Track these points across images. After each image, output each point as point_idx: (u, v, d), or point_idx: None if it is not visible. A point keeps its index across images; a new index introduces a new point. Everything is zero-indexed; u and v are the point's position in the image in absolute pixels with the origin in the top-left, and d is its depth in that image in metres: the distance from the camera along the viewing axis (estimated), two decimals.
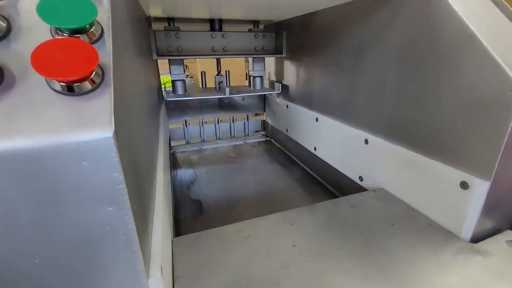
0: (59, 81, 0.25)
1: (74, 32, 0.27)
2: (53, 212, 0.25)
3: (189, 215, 0.82)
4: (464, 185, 0.48)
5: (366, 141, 0.72)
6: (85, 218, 0.26)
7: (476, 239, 0.49)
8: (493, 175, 0.44)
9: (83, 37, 0.28)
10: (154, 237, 0.39)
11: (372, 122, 0.70)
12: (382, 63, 0.64)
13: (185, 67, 1.09)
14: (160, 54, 1.00)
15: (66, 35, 0.27)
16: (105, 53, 0.28)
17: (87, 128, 0.24)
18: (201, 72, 1.31)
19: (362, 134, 0.73)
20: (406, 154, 0.60)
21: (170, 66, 1.06)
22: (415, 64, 0.56)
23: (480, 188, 0.46)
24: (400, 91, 0.61)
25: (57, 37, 0.27)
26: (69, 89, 0.25)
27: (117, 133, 0.25)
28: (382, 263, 0.45)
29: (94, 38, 0.28)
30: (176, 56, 1.02)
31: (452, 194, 0.51)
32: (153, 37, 0.97)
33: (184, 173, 1.08)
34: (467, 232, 0.49)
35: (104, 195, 0.25)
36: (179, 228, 0.76)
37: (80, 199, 0.25)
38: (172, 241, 0.51)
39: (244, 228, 0.54)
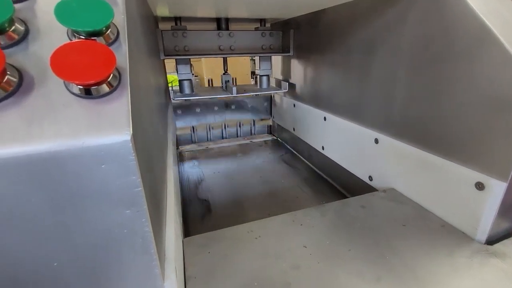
0: (78, 84, 0.25)
1: (90, 34, 0.27)
2: (72, 215, 0.25)
3: (198, 215, 0.82)
4: (479, 185, 0.48)
5: (376, 141, 0.71)
6: (103, 221, 0.26)
7: (491, 240, 0.48)
8: (511, 175, 0.43)
9: (100, 40, 0.28)
10: (167, 237, 0.39)
11: (383, 121, 0.69)
12: (393, 61, 0.63)
13: (191, 66, 1.09)
14: (168, 54, 1.00)
15: (83, 37, 0.27)
16: (122, 55, 0.28)
17: (106, 131, 0.24)
18: (208, 80, 1.32)
19: (372, 134, 0.72)
20: (418, 154, 0.59)
21: (177, 66, 1.06)
22: (429, 62, 0.55)
23: (497, 189, 0.45)
24: (412, 90, 0.60)
25: (74, 39, 0.27)
26: (87, 92, 0.25)
27: (134, 136, 0.25)
28: (395, 265, 0.44)
29: (110, 41, 0.28)
30: (183, 56, 1.02)
31: (467, 195, 0.50)
32: (161, 36, 0.97)
33: (192, 173, 1.09)
34: (483, 233, 0.48)
35: (122, 198, 0.25)
36: (187, 227, 0.76)
37: (99, 202, 0.25)
38: (182, 241, 0.51)
39: (254, 229, 0.54)
